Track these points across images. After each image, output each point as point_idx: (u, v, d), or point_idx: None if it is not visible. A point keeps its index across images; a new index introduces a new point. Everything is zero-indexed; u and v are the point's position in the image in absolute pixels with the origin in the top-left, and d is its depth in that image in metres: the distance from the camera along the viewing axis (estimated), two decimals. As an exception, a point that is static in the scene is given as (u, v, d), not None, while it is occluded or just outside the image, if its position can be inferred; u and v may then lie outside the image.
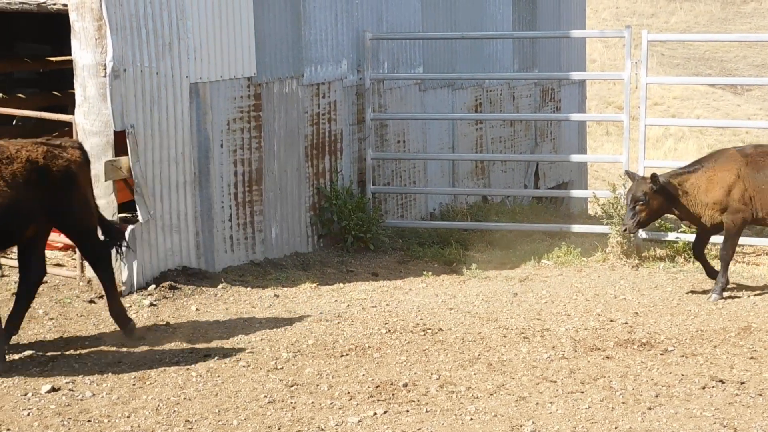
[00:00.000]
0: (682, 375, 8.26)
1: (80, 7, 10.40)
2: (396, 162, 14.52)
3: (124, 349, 8.99)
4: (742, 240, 12.55)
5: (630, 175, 11.10)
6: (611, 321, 9.86)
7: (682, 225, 12.64)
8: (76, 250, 10.81)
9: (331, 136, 13.31)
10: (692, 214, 10.86)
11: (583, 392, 7.89)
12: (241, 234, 11.93)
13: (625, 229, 11.01)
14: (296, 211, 12.75)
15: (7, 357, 8.53)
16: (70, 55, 10.65)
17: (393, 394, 7.87)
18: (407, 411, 7.54)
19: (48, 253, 11.74)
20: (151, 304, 10.28)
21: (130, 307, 10.22)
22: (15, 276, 11.01)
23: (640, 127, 12.67)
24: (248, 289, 11.05)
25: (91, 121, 10.51)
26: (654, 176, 10.69)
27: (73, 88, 10.74)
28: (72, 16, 10.48)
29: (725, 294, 10.74)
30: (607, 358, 8.73)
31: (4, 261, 11.49)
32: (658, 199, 10.76)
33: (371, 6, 13.86)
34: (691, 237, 12.33)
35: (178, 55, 11.03)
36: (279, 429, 7.25)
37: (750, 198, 10.59)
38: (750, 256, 12.56)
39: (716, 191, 10.64)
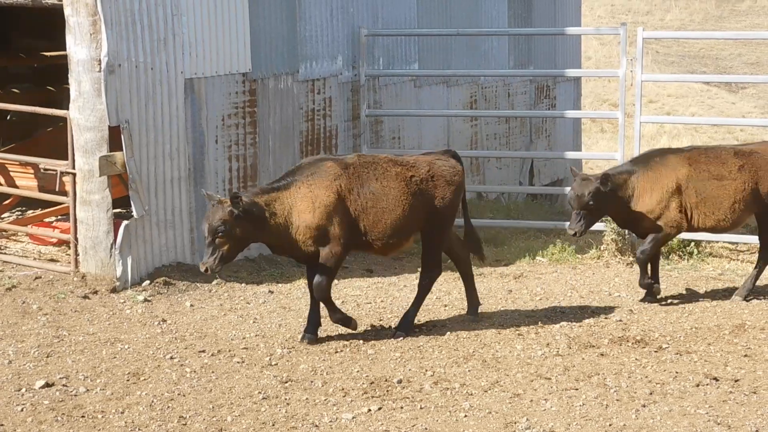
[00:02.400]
0: (677, 372, 8.27)
1: (75, 2, 10.38)
2: (391, 158, 14.49)
3: (119, 345, 8.98)
4: (736, 238, 12.55)
5: (210, 196, 8.78)
6: (606, 318, 9.86)
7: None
8: (70, 245, 10.81)
9: (326, 133, 13.30)
10: (284, 244, 8.90)
11: (577, 389, 7.89)
12: (235, 230, 11.89)
13: (206, 270, 8.66)
14: (291, 207, 12.72)
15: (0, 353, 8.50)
16: (65, 50, 10.63)
17: (387, 391, 7.87)
18: (401, 407, 7.55)
19: (42, 248, 11.77)
20: (146, 300, 10.26)
21: (125, 302, 10.21)
22: (9, 271, 11.00)
23: (636, 124, 12.67)
24: (243, 285, 11.03)
25: (85, 117, 10.49)
26: (235, 198, 8.53)
27: (67, 83, 10.72)
28: (67, 11, 10.46)
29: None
30: (602, 355, 8.73)
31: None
32: (243, 225, 8.59)
33: (366, 2, 13.84)
34: (689, 236, 12.34)
35: (173, 50, 11.01)
36: (273, 425, 7.24)
37: (355, 219, 8.90)
38: (745, 254, 12.57)
39: (310, 214, 8.74)
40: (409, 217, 9.08)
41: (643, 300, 10.39)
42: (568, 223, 13.43)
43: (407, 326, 9.34)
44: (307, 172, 8.92)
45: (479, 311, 9.91)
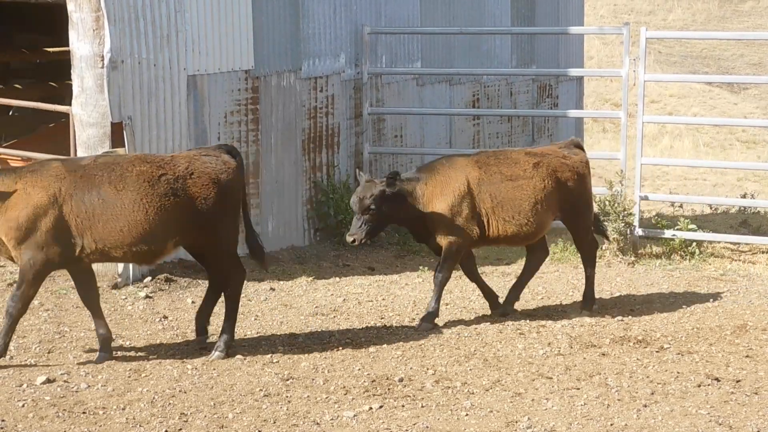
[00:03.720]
0: (678, 373, 8.26)
1: (78, -3, 10.37)
2: (393, 156, 14.49)
3: (120, 341, 8.98)
4: (737, 238, 12.53)
5: None
6: (607, 318, 9.85)
7: (679, 222, 12.65)
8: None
9: (329, 130, 13.29)
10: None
11: (578, 389, 7.89)
12: (237, 227, 11.89)
13: None
14: (293, 204, 12.73)
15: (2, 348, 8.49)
16: (67, 45, 10.63)
17: (389, 389, 7.87)
18: (403, 406, 7.54)
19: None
20: (147, 296, 10.26)
21: (126, 299, 10.21)
22: (11, 266, 10.99)
23: (638, 124, 12.66)
24: (244, 282, 11.01)
25: (88, 113, 10.49)
26: None
27: (70, 79, 10.72)
28: (70, 7, 10.45)
29: None
30: (603, 355, 8.73)
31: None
32: None
33: (370, 0, 13.83)
34: (690, 235, 12.32)
35: (176, 47, 11.01)
36: (274, 422, 7.24)
37: (76, 229, 8.08)
38: (746, 254, 12.56)
39: (16, 211, 8.00)
40: (157, 221, 8.17)
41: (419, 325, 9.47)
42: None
43: (225, 348, 8.60)
44: (30, 168, 8.22)
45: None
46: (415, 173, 9.68)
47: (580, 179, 9.91)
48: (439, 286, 9.57)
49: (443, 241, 9.50)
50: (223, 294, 8.82)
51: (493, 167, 9.58)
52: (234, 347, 8.74)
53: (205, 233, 8.42)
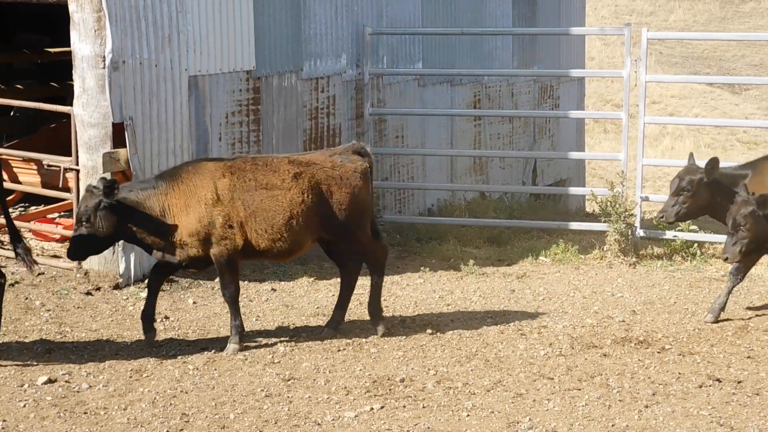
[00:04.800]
0: (679, 373, 8.26)
1: (80, -2, 10.38)
2: (394, 157, 14.50)
3: (121, 341, 8.99)
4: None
5: None
6: (608, 319, 9.86)
7: (680, 223, 12.64)
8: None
9: (330, 131, 13.30)
10: None
11: (580, 389, 7.89)
12: (238, 227, 11.90)
13: None
14: (294, 205, 12.72)
15: (2, 349, 8.50)
16: (69, 46, 10.63)
17: (390, 390, 7.87)
18: (404, 406, 7.54)
19: (45, 244, 11.77)
20: (148, 297, 10.26)
21: (128, 299, 10.21)
22: (12, 267, 10.99)
23: (639, 125, 12.66)
24: (246, 282, 11.02)
25: (89, 113, 10.49)
26: None
27: (71, 80, 10.72)
28: (71, 7, 10.46)
29: None
30: (605, 355, 8.73)
31: (1, 252, 11.47)
32: None
33: (371, 1, 13.84)
34: (691, 236, 12.32)
35: (178, 47, 11.01)
36: (276, 423, 7.24)
37: None
38: (748, 255, 12.55)
39: None
40: None
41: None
42: (570, 223, 13.52)
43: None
44: None
45: None
46: (151, 181, 8.76)
47: (352, 191, 8.91)
48: (232, 304, 8.79)
49: (210, 253, 8.65)
50: None
51: (248, 173, 8.66)
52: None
53: None
